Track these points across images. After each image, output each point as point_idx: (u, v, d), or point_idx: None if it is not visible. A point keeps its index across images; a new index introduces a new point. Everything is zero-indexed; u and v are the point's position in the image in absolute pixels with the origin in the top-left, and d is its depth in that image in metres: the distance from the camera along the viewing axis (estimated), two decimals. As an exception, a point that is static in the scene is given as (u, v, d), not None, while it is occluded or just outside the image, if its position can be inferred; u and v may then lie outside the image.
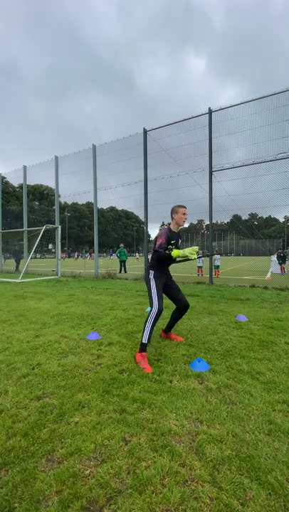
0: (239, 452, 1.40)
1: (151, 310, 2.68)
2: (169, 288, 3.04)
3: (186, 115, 8.64)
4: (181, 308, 3.07)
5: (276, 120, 7.23)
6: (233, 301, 5.54)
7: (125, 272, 12.81)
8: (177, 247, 3.01)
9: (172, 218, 3.00)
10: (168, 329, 3.25)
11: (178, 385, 2.11)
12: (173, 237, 2.94)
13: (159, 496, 1.16)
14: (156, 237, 2.93)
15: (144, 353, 2.57)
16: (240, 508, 1.10)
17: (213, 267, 8.67)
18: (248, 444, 1.46)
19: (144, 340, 2.58)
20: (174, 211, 2.98)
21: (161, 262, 2.92)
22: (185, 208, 2.97)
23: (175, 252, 2.75)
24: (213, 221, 8.30)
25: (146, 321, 2.65)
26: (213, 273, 9.06)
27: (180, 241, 3.08)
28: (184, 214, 2.94)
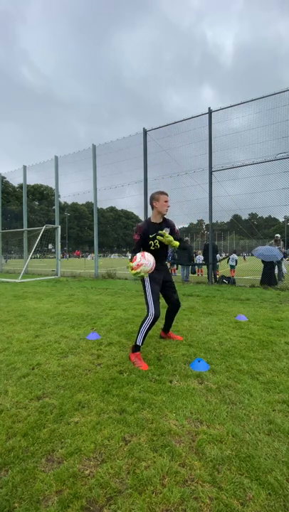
0: (239, 452, 1.40)
1: (146, 315, 2.60)
2: (165, 287, 2.91)
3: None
4: (172, 309, 3.01)
5: (276, 120, 7.24)
6: (233, 301, 5.54)
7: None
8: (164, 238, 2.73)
9: (153, 207, 2.71)
10: (166, 329, 3.18)
11: (178, 385, 2.11)
12: (152, 230, 2.69)
13: (159, 496, 1.16)
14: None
15: (137, 353, 2.55)
16: (240, 508, 1.10)
17: (225, 268, 8.66)
18: (248, 444, 1.46)
19: (138, 343, 2.56)
20: (154, 199, 2.67)
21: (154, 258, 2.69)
22: (167, 195, 2.70)
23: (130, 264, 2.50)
24: (213, 221, 8.30)
25: (141, 325, 2.59)
26: (222, 274, 9.10)
27: (168, 230, 2.78)
28: (166, 202, 2.68)
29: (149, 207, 2.79)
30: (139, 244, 2.71)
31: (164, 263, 2.94)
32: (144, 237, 2.69)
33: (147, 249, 2.73)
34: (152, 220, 2.74)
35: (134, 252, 2.66)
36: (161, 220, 2.77)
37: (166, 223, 2.81)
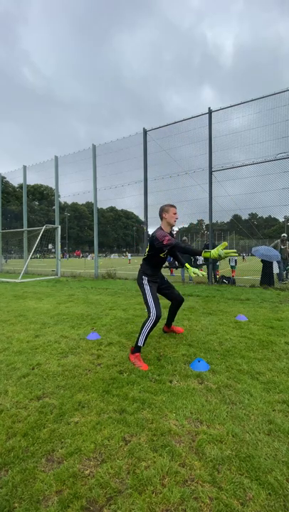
0: (239, 452, 1.40)
1: (148, 316, 2.65)
2: (163, 289, 3.11)
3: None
4: (177, 303, 3.19)
5: (276, 120, 7.23)
6: (233, 301, 5.54)
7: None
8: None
9: (162, 218, 2.88)
10: (169, 324, 3.36)
11: (178, 385, 2.11)
12: None
13: (159, 496, 1.16)
14: (152, 240, 2.77)
15: (137, 354, 2.57)
16: (240, 508, 1.10)
17: (226, 268, 8.67)
18: (248, 444, 1.46)
19: (140, 344, 2.58)
20: (164, 211, 2.85)
21: (154, 266, 2.91)
22: (175, 207, 2.88)
23: (207, 254, 2.46)
24: (213, 221, 8.30)
25: (143, 325, 2.63)
26: (222, 274, 9.10)
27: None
28: (175, 214, 2.85)
29: (156, 216, 2.97)
30: (179, 243, 2.69)
31: (160, 271, 3.11)
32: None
33: (157, 256, 2.83)
34: (164, 229, 2.87)
35: (178, 245, 2.63)
36: (169, 231, 2.94)
37: (172, 233, 3.01)
